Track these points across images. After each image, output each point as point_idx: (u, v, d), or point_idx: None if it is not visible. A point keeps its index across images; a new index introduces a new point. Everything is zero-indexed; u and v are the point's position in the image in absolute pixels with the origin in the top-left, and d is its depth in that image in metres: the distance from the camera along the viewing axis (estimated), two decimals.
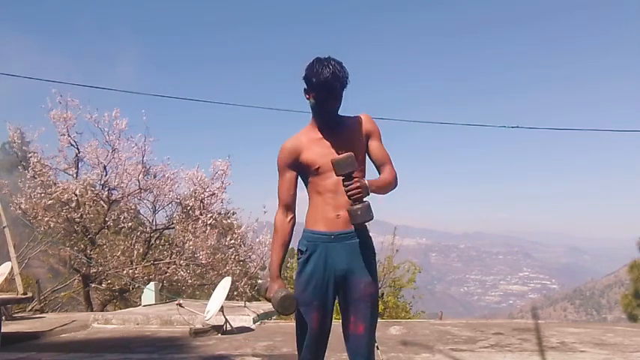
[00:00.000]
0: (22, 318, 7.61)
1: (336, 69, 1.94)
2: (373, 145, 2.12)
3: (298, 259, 2.09)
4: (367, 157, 2.13)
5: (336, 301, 2.10)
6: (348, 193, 1.89)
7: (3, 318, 5.45)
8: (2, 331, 5.25)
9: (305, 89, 2.03)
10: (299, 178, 2.14)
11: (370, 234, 2.13)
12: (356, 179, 1.91)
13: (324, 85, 1.95)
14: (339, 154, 1.98)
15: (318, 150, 2.05)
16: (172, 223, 12.06)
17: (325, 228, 2.03)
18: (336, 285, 2.03)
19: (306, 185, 2.14)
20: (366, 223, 2.04)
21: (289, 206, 2.13)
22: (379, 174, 2.12)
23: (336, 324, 2.04)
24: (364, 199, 1.92)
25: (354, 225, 1.98)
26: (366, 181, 1.95)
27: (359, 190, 1.88)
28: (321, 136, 2.08)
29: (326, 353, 2.09)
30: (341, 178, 1.93)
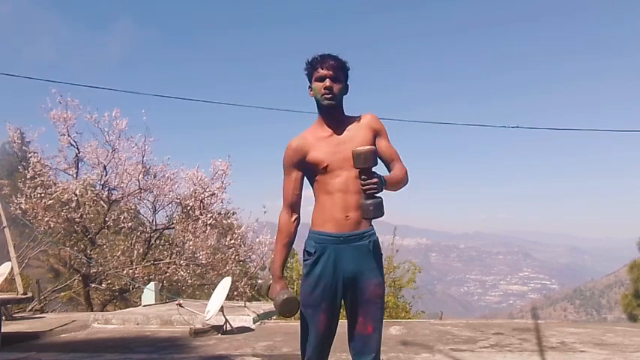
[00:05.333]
0: (22, 318, 7.60)
1: (332, 54, 1.99)
2: (382, 143, 2.09)
3: (305, 260, 2.05)
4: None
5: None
6: (364, 187, 1.84)
7: (3, 318, 5.44)
8: (2, 331, 5.25)
9: (309, 86, 2.02)
10: (305, 177, 2.10)
11: None
12: (374, 174, 1.87)
13: (320, 60, 1.98)
14: (352, 150, 1.96)
15: (326, 148, 2.01)
16: (172, 223, 12.05)
17: (334, 229, 1.98)
18: (345, 287, 2.00)
19: (312, 185, 2.09)
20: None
21: (294, 206, 2.09)
22: (389, 171, 2.09)
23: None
24: (377, 195, 1.87)
25: (364, 218, 1.94)
26: (383, 176, 1.91)
27: (375, 185, 1.84)
28: (328, 133, 2.04)
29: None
30: (357, 171, 1.90)
